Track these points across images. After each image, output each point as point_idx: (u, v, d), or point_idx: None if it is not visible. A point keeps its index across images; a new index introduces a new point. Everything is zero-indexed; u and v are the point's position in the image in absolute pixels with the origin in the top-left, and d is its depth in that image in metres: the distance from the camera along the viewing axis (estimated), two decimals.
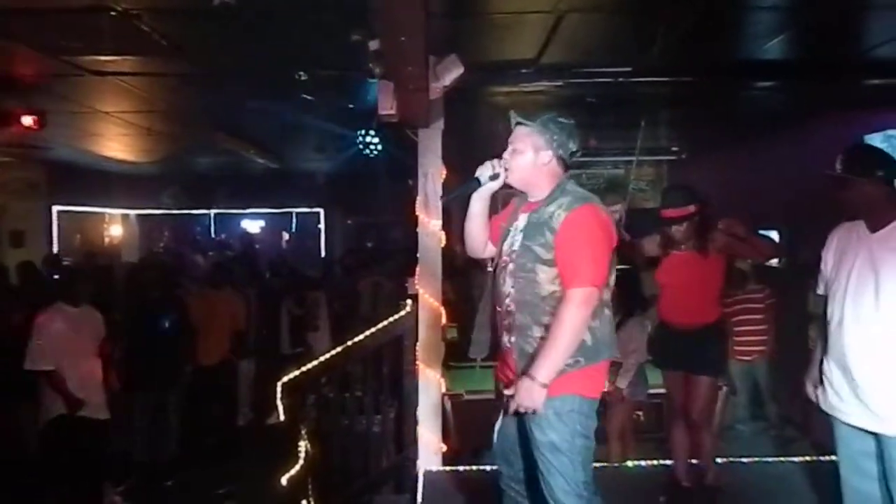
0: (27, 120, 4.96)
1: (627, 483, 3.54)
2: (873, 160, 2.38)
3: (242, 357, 6.32)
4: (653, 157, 8.30)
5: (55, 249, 9.31)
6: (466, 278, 6.57)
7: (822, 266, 2.51)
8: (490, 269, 2.44)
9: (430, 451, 3.79)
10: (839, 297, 2.38)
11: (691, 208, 3.11)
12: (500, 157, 2.32)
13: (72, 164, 9.06)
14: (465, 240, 2.47)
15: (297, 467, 3.23)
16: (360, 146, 6.40)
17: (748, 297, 5.52)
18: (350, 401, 3.78)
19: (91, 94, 5.24)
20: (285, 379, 3.30)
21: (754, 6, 3.53)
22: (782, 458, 3.85)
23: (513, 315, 2.21)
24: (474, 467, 3.70)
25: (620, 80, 4.27)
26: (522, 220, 2.28)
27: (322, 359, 3.59)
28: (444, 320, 3.89)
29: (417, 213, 3.84)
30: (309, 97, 4.92)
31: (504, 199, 2.48)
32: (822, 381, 2.48)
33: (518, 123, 2.30)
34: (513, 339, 2.22)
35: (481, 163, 2.34)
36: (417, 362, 3.81)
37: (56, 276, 6.72)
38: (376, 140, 6.34)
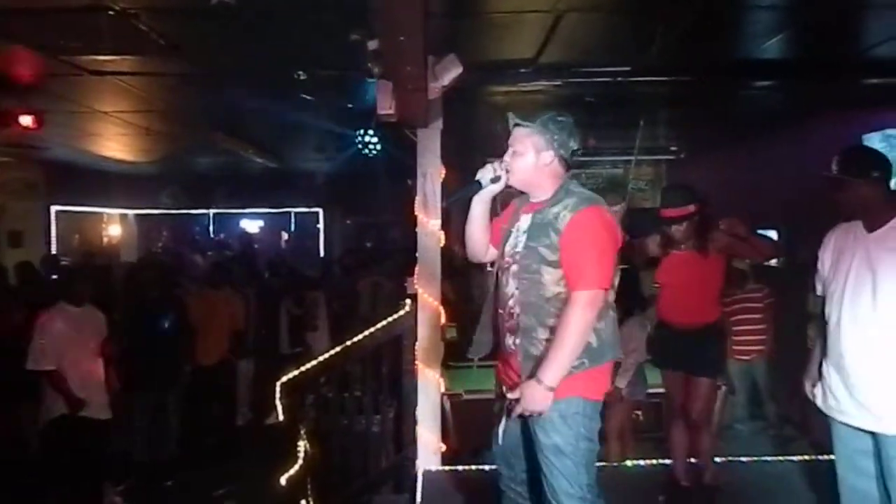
0: (25, 120, 4.95)
1: (626, 482, 3.54)
2: (869, 161, 2.39)
3: (241, 357, 6.32)
4: (652, 156, 8.30)
5: (53, 250, 9.30)
6: (466, 278, 6.57)
7: (819, 266, 2.51)
8: (489, 269, 2.43)
9: (429, 451, 3.79)
10: (837, 297, 2.39)
11: (691, 208, 3.12)
12: (500, 158, 2.30)
13: (70, 164, 9.05)
14: (467, 244, 2.44)
15: (297, 467, 3.23)
16: (359, 146, 6.40)
17: (747, 297, 5.52)
18: (349, 401, 3.78)
19: (89, 94, 5.23)
20: (284, 379, 3.30)
21: (753, 5, 3.53)
22: (781, 458, 3.86)
23: (517, 317, 2.19)
24: (473, 467, 3.70)
25: (619, 79, 4.27)
26: (525, 220, 2.25)
27: (321, 359, 3.59)
28: (443, 320, 3.89)
29: (416, 212, 3.84)
30: (308, 97, 4.92)
31: (503, 199, 2.46)
32: (820, 381, 2.49)
33: (517, 125, 2.28)
34: (517, 340, 2.19)
35: (481, 162, 2.33)
36: (416, 362, 3.81)
37: (54, 277, 6.73)
38: (375, 140, 6.33)
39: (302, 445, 3.27)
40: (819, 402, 2.50)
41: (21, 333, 4.48)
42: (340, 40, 3.33)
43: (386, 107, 3.50)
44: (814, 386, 2.53)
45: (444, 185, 3.84)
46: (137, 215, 11.96)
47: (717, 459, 3.43)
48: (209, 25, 3.56)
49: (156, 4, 3.36)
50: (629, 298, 4.27)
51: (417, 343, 3.80)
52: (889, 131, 4.84)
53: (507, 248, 2.28)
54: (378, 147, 6.40)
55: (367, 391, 3.83)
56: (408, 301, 3.88)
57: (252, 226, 13.01)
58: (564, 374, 2.05)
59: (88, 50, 3.93)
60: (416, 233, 3.86)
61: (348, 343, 3.66)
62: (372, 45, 3.15)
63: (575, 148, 2.26)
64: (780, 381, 5.47)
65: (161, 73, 4.54)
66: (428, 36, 2.70)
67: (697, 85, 4.71)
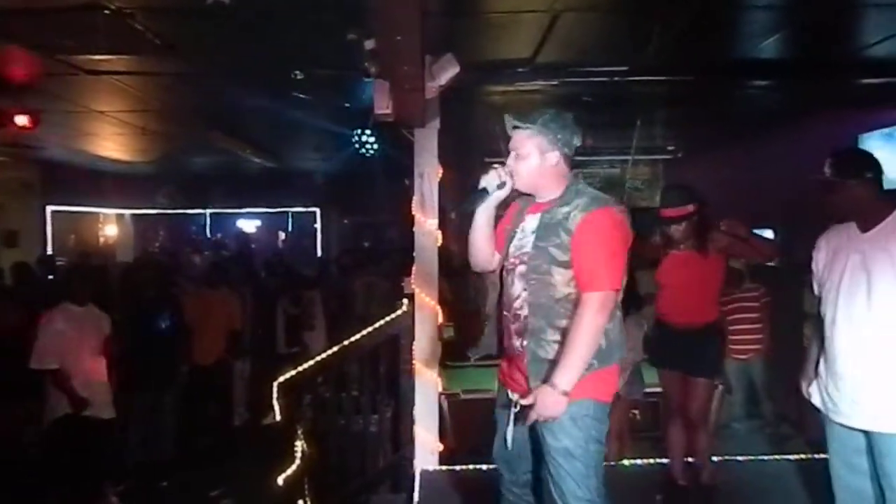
0: (21, 119, 4.94)
1: (624, 482, 3.53)
2: (863, 162, 2.40)
3: (238, 357, 6.30)
4: (649, 156, 8.32)
5: (49, 250, 9.28)
6: (463, 278, 6.56)
7: (814, 267, 2.53)
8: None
9: (426, 451, 3.79)
10: (832, 297, 2.40)
11: (690, 207, 3.12)
12: (503, 164, 2.25)
13: (66, 164, 9.03)
14: (471, 253, 2.34)
15: (294, 467, 3.22)
16: (357, 146, 6.40)
17: (744, 296, 5.53)
18: (346, 400, 3.77)
19: (85, 94, 5.22)
20: (281, 379, 3.29)
21: (749, 5, 3.54)
22: (778, 456, 3.86)
23: (525, 318, 2.15)
24: (471, 466, 3.69)
25: (616, 79, 4.28)
26: (532, 220, 2.21)
27: (318, 358, 3.58)
28: (440, 320, 3.89)
29: (414, 212, 3.84)
30: (304, 96, 4.91)
31: (504, 201, 2.41)
32: (816, 380, 2.50)
33: (516, 127, 2.21)
34: (524, 342, 2.14)
35: (478, 162, 2.32)
36: (414, 362, 3.81)
37: (51, 277, 6.71)
38: (372, 140, 6.34)
39: (299, 445, 3.26)
40: (814, 400, 2.51)
41: (17, 334, 4.47)
42: (337, 40, 3.33)
43: (383, 106, 3.49)
44: (809, 385, 2.54)
45: (441, 185, 3.84)
46: (134, 215, 11.94)
47: (715, 458, 3.43)
48: (205, 25, 3.55)
49: (151, 4, 3.35)
50: (625, 298, 4.27)
51: (415, 343, 3.80)
52: (886, 130, 4.85)
53: (512, 249, 2.23)
54: (375, 147, 6.41)
55: (365, 391, 3.82)
56: (404, 301, 3.88)
57: (249, 225, 13.01)
58: (578, 378, 2.02)
59: (84, 49, 3.92)
60: (413, 232, 3.85)
61: (345, 343, 3.66)
62: (369, 44, 3.14)
63: (578, 145, 2.23)
64: (776, 380, 5.48)
65: (157, 72, 4.54)
66: (425, 35, 2.70)
67: (694, 84, 4.72)
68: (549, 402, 2.02)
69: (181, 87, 5.10)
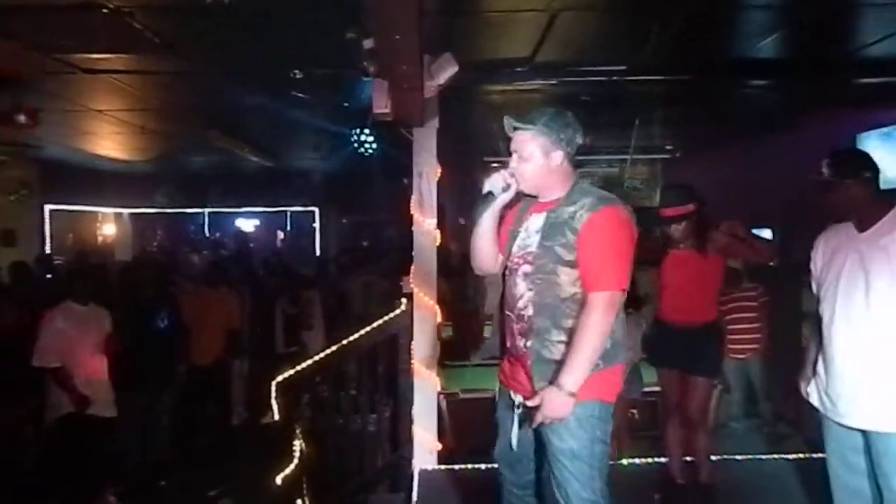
0: (19, 118, 4.94)
1: (622, 481, 3.50)
2: (860, 161, 2.41)
3: (237, 356, 6.30)
4: (647, 155, 8.32)
5: (47, 249, 9.27)
6: (462, 277, 6.58)
7: (812, 267, 2.53)
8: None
9: (425, 450, 3.79)
10: (830, 296, 2.40)
11: (690, 207, 3.12)
12: (507, 166, 2.23)
13: (64, 163, 9.03)
14: (474, 257, 2.32)
15: (292, 467, 3.22)
16: (355, 145, 6.40)
17: (742, 296, 5.53)
18: (345, 400, 3.77)
19: (84, 92, 5.21)
20: (280, 378, 3.29)
21: (747, 5, 3.55)
22: (776, 456, 3.87)
23: (529, 318, 2.12)
24: (470, 466, 3.70)
25: (614, 78, 4.28)
26: (536, 220, 2.18)
27: (317, 358, 3.58)
28: (439, 319, 3.89)
29: (412, 211, 3.84)
30: (303, 95, 4.91)
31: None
32: (814, 379, 2.50)
33: (516, 129, 2.17)
34: (528, 343, 2.12)
35: (478, 161, 2.32)
36: (413, 361, 3.81)
37: (49, 276, 6.70)
38: (371, 139, 6.34)
39: (298, 445, 3.26)
40: (812, 400, 2.51)
41: (15, 333, 4.47)
42: (336, 39, 3.33)
43: (382, 106, 3.49)
44: (808, 384, 2.55)
45: (439, 184, 3.84)
46: (132, 214, 11.93)
47: (713, 458, 3.43)
48: (204, 24, 3.55)
49: (150, 3, 3.35)
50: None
51: (413, 342, 3.80)
52: (884, 129, 4.86)
53: (515, 249, 2.21)
54: (374, 146, 6.41)
55: (363, 390, 3.82)
56: (403, 300, 3.88)
57: (248, 225, 13.00)
58: (585, 379, 2.00)
59: (83, 48, 3.92)
60: (411, 232, 3.85)
61: (344, 342, 3.66)
62: (367, 43, 3.14)
63: (581, 142, 2.20)
64: (774, 380, 5.49)
65: (156, 71, 4.53)
66: (423, 35, 2.70)
67: (693, 84, 4.72)
68: (556, 403, 2.00)
69: (180, 86, 5.10)
